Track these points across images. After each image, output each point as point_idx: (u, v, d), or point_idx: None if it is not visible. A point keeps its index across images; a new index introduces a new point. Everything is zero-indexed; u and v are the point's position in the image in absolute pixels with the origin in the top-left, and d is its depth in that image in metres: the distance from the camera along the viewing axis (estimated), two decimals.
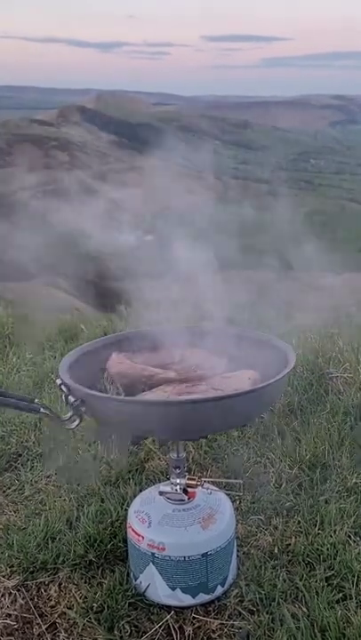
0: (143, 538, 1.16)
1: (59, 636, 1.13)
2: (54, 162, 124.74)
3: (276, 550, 1.34)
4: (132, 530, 1.19)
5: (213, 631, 1.13)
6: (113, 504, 1.50)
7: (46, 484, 1.68)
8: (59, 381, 1.09)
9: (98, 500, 1.54)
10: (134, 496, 1.42)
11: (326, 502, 1.51)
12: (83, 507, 1.52)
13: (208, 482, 1.22)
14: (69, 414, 1.08)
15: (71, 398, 1.07)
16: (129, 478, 1.65)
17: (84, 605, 1.18)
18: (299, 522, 1.44)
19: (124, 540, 1.30)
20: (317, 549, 1.33)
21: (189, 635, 1.12)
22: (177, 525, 1.16)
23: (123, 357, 1.26)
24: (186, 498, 1.21)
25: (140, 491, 1.47)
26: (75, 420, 1.08)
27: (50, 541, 1.39)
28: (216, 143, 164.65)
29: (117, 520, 1.44)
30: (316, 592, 1.19)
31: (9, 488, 1.66)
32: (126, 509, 1.39)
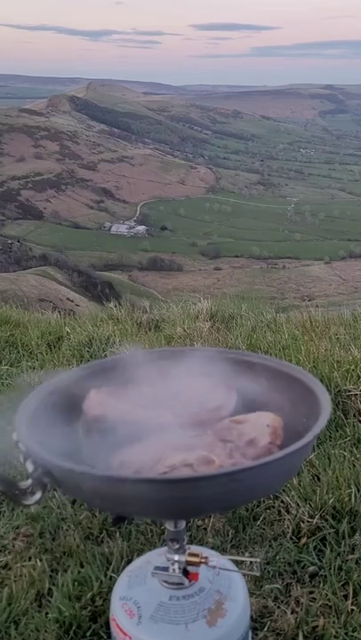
0: (131, 639, 0.88)
1: None
2: (44, 151, 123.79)
3: (300, 638, 1.05)
4: (117, 626, 0.91)
5: None
6: (94, 569, 1.21)
7: (14, 539, 1.36)
8: (15, 436, 0.83)
9: (76, 564, 1.25)
10: (121, 558, 1.20)
11: (358, 563, 1.23)
12: (57, 573, 1.24)
13: (216, 558, 0.94)
14: (29, 483, 0.79)
15: (30, 465, 0.79)
16: (115, 531, 1.36)
17: None
18: (326, 594, 1.15)
19: (108, 625, 1.03)
20: (353, 636, 1.05)
21: None
22: (175, 621, 0.88)
23: (104, 395, 0.99)
24: (187, 581, 0.92)
25: (129, 548, 1.23)
26: (35, 494, 0.79)
27: (12, 626, 1.09)
28: (207, 133, 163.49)
29: (99, 594, 1.15)
30: None
31: None
32: (111, 577, 1.16)
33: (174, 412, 0.95)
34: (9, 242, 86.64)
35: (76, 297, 66.57)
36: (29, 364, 2.26)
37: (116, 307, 4.28)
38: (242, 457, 0.83)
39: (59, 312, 4.43)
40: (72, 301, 63.39)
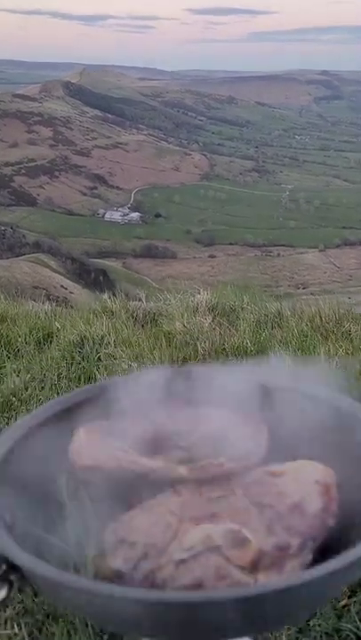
0: None
1: None
2: (38, 137, 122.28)
3: None
4: None
5: None
6: None
7: None
8: None
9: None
10: None
11: None
12: None
13: None
14: None
15: None
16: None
17: None
18: None
19: None
20: None
21: None
22: None
23: (96, 436, 0.77)
24: None
25: None
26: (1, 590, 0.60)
27: None
28: (201, 119, 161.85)
29: None
30: None
31: None
32: None
33: (188, 457, 0.76)
34: (2, 228, 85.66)
35: (69, 284, 66.12)
36: (14, 365, 2.02)
37: (110, 298, 4.05)
38: (286, 532, 0.62)
39: (50, 303, 4.19)
40: (66, 289, 62.97)
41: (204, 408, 0.81)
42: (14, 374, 1.95)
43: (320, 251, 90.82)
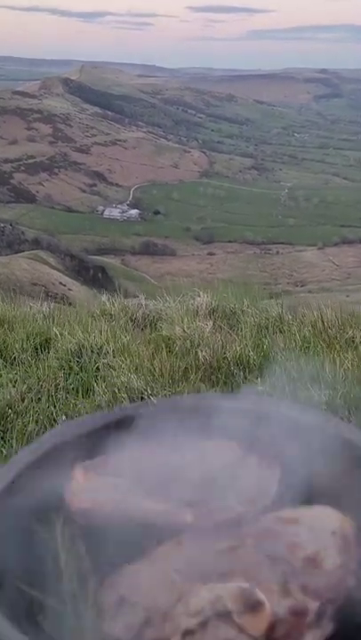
0: None
1: None
2: (37, 134, 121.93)
3: None
4: None
5: None
6: None
7: None
8: None
9: None
10: None
11: None
12: None
13: None
14: None
15: None
16: None
17: None
18: None
19: None
20: None
21: None
22: None
23: (94, 477, 0.70)
24: None
25: None
26: None
27: None
28: (200, 116, 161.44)
29: None
30: None
31: None
32: None
33: (193, 500, 0.67)
34: (1, 225, 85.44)
35: (68, 281, 66.00)
36: (10, 375, 1.96)
37: (109, 300, 4.00)
38: (302, 592, 0.55)
39: (48, 304, 4.12)
40: (64, 286, 62.88)
41: (211, 441, 0.74)
42: (10, 384, 1.89)
43: (319, 249, 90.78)
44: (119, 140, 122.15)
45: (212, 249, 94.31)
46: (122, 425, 0.75)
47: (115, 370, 1.83)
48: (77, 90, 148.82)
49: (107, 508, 0.65)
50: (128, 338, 2.82)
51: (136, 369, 1.77)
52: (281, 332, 3.35)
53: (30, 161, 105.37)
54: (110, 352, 1.97)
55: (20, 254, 67.43)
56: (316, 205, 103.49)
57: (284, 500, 0.66)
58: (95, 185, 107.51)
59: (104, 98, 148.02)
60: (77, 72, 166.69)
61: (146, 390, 1.62)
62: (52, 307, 4.11)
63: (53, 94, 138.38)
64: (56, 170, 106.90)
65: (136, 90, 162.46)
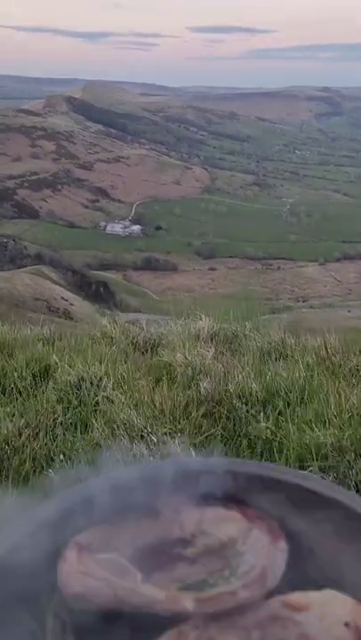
0: None
1: None
2: (41, 151, 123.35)
3: None
4: None
5: None
6: None
7: None
8: None
9: None
10: None
11: None
12: None
13: None
14: None
15: None
16: None
17: None
18: None
19: None
20: None
21: None
22: None
23: (88, 553, 0.66)
24: None
25: None
26: None
27: None
28: (203, 134, 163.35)
29: None
30: None
31: None
32: None
33: (194, 582, 0.63)
34: (4, 241, 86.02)
35: (70, 296, 66.16)
36: (8, 409, 1.91)
37: (110, 323, 3.97)
38: None
39: (49, 326, 4.08)
40: (66, 300, 63.04)
41: (213, 508, 0.69)
42: (8, 419, 1.86)
43: (320, 264, 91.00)
44: (122, 157, 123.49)
45: (214, 264, 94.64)
46: (116, 492, 0.70)
47: (114, 403, 1.79)
48: (81, 108, 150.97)
49: (101, 595, 0.61)
50: (128, 365, 2.78)
51: (136, 404, 1.72)
52: (284, 357, 3.31)
53: (34, 177, 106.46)
54: (110, 385, 1.93)
55: (22, 269, 67.70)
56: (318, 221, 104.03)
57: (292, 582, 0.61)
58: (98, 201, 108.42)
59: (107, 116, 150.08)
60: (81, 90, 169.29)
61: (146, 428, 1.57)
62: (52, 329, 4.09)
63: (57, 112, 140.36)
64: (59, 186, 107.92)
65: (139, 108, 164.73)
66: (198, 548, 0.65)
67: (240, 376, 2.46)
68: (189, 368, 2.83)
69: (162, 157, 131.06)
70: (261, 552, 0.63)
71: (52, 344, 3.64)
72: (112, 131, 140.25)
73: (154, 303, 79.73)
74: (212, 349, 3.03)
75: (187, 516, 0.68)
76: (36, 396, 2.12)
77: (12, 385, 2.31)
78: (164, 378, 2.78)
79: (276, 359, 3.20)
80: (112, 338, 3.80)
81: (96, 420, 1.65)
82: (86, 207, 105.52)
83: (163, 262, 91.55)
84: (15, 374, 2.39)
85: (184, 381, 2.34)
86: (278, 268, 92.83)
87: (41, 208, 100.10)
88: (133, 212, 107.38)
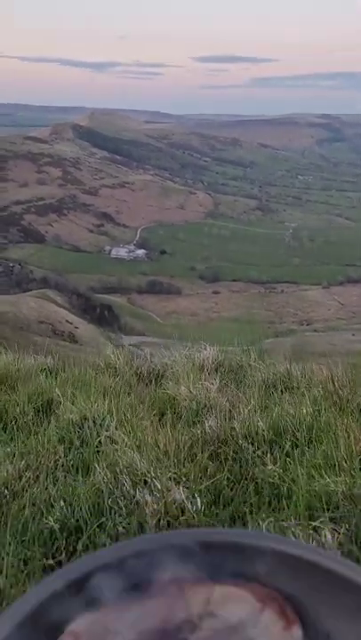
0: None
1: None
2: (47, 177, 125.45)
3: None
4: None
5: None
6: None
7: None
8: None
9: None
10: None
11: None
12: None
13: None
14: None
15: None
16: None
17: None
18: None
19: None
20: None
21: None
22: None
23: None
24: None
25: None
26: None
27: None
28: (206, 160, 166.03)
29: None
30: None
31: None
32: None
33: None
34: (10, 265, 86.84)
35: (75, 319, 66.31)
36: (8, 449, 1.87)
37: (114, 354, 3.94)
38: None
39: (53, 356, 4.04)
40: (71, 323, 63.16)
41: (221, 586, 0.64)
42: (8, 460, 1.81)
43: (324, 288, 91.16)
44: (127, 183, 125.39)
45: (217, 287, 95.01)
46: (116, 569, 0.64)
47: (117, 444, 1.73)
48: (87, 135, 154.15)
49: None
50: (132, 399, 2.73)
51: (139, 445, 1.67)
52: (290, 389, 3.25)
53: (40, 203, 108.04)
54: (113, 424, 1.88)
55: (27, 293, 68.10)
56: (321, 245, 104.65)
57: None
58: (103, 225, 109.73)
59: (113, 142, 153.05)
60: (87, 118, 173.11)
61: (149, 472, 1.51)
62: (56, 359, 4.06)
63: (64, 139, 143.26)
64: (65, 211, 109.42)
65: (144, 135, 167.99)
66: (206, 632, 0.59)
67: (246, 411, 2.41)
68: (194, 402, 2.78)
69: (166, 183, 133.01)
70: (274, 638, 0.58)
71: (56, 375, 3.60)
72: (117, 157, 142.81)
73: (158, 326, 79.83)
74: (217, 382, 2.98)
75: (193, 594, 0.63)
76: (37, 433, 2.08)
77: (14, 421, 2.28)
78: (168, 412, 2.73)
79: (281, 391, 3.14)
80: (116, 368, 3.76)
81: (98, 463, 1.60)
82: (91, 232, 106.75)
83: (167, 286, 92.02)
84: (17, 409, 2.36)
85: (189, 417, 2.29)
86: (282, 291, 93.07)
87: (47, 232, 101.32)
88: (138, 236, 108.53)
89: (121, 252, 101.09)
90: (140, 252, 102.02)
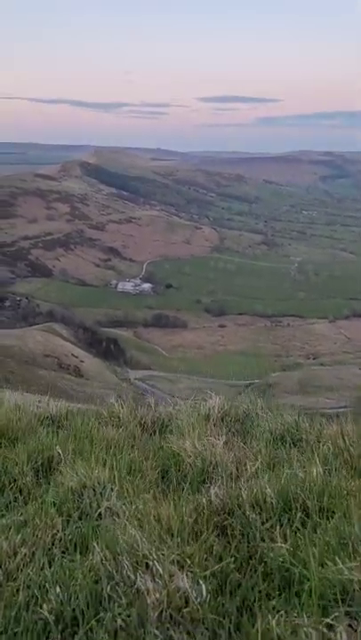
0: None
1: None
2: (56, 213, 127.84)
3: None
4: None
5: None
6: None
7: None
8: None
9: None
10: None
11: None
12: None
13: None
14: None
15: None
16: None
17: None
18: None
19: None
20: None
21: None
22: None
23: None
24: None
25: None
26: None
27: None
28: (212, 195, 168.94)
29: None
30: None
31: None
32: None
33: None
34: (17, 299, 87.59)
35: (81, 353, 66.18)
36: (4, 521, 1.77)
37: (117, 401, 3.86)
38: None
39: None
40: (77, 357, 62.98)
41: None
42: (3, 536, 1.70)
43: (330, 321, 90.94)
44: (133, 218, 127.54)
45: (223, 321, 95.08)
46: None
47: (118, 517, 1.62)
48: (94, 172, 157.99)
49: None
50: (134, 455, 2.64)
51: (140, 519, 1.55)
52: (298, 442, 3.14)
53: (48, 238, 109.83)
54: (114, 493, 1.76)
55: (34, 327, 68.35)
56: (326, 279, 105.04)
57: None
58: (109, 260, 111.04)
59: (120, 179, 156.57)
60: (94, 156, 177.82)
61: (151, 554, 1.37)
62: (59, 407, 3.97)
63: (72, 176, 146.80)
64: (72, 246, 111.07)
65: (150, 171, 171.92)
66: None
67: (253, 469, 2.30)
68: (199, 459, 2.68)
69: (172, 218, 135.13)
70: None
71: (58, 425, 3.52)
72: (124, 193, 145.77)
73: (164, 360, 79.57)
74: (223, 438, 2.88)
75: None
76: (36, 499, 1.97)
77: (13, 483, 2.19)
78: (172, 469, 2.62)
79: (290, 446, 3.04)
80: (119, 418, 3.67)
81: (97, 541, 1.48)
82: (98, 266, 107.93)
83: (173, 319, 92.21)
84: (16, 469, 2.27)
85: (193, 478, 2.18)
86: (288, 324, 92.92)
87: (54, 267, 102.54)
88: (144, 270, 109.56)
89: (127, 285, 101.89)
90: (146, 285, 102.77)
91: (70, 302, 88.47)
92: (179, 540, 1.44)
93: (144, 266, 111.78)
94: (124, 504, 1.67)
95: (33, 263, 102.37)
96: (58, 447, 2.47)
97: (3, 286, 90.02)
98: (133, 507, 1.64)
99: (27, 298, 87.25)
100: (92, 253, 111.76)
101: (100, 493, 1.72)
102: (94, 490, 1.71)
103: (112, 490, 1.74)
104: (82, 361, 61.02)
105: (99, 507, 1.68)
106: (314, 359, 78.29)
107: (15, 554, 1.50)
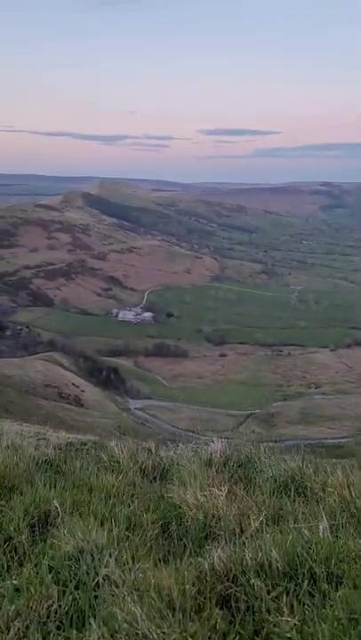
0: None
1: None
2: (57, 243, 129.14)
3: None
4: None
5: None
6: None
7: None
8: None
9: None
10: None
11: None
12: None
13: None
14: None
15: None
16: None
17: None
18: None
19: None
20: None
21: None
22: None
23: None
24: None
25: None
26: None
27: None
28: (212, 225, 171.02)
29: None
30: None
31: None
32: None
33: None
34: (18, 328, 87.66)
35: (81, 382, 65.74)
36: None
37: (117, 445, 3.78)
38: None
39: (54, 449, 3.87)
40: (77, 387, 62.53)
41: None
42: None
43: (331, 350, 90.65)
44: (135, 248, 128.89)
45: (224, 350, 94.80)
46: None
47: (117, 587, 1.53)
48: (96, 203, 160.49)
49: None
50: (135, 506, 2.56)
51: (139, 590, 1.46)
52: (303, 490, 3.06)
53: (49, 267, 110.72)
54: (112, 561, 1.67)
55: (34, 356, 68.16)
56: (326, 308, 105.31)
57: None
58: (110, 289, 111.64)
59: (121, 210, 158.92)
60: (97, 187, 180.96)
61: (151, 633, 1.26)
62: (57, 449, 3.90)
63: (74, 207, 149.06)
64: (73, 275, 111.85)
65: (151, 202, 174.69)
66: None
67: (256, 523, 2.21)
68: (201, 512, 2.60)
69: (173, 248, 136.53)
70: None
71: (57, 468, 3.45)
72: (125, 223, 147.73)
73: (164, 390, 78.94)
74: (226, 487, 2.80)
75: None
76: (31, 560, 1.88)
77: (8, 541, 2.10)
78: (173, 523, 2.54)
79: (294, 495, 2.95)
80: (120, 462, 3.60)
81: (94, 616, 1.38)
82: (99, 295, 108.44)
83: (173, 348, 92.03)
84: (12, 526, 2.19)
85: (195, 531, 2.09)
86: (289, 353, 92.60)
87: (55, 296, 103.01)
88: (145, 299, 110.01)
89: (128, 314, 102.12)
90: (147, 314, 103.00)
91: (71, 331, 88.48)
92: (180, 615, 1.34)
93: (145, 295, 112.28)
94: (122, 571, 1.58)
95: (34, 292, 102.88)
96: (55, 501, 2.38)
97: (4, 315, 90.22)
98: (132, 575, 1.56)
99: (27, 327, 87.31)
100: (94, 282, 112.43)
101: (99, 559, 1.64)
102: (92, 555, 1.63)
103: (110, 555, 1.66)
104: (82, 390, 60.59)
105: (96, 575, 1.59)
106: (315, 388, 77.70)
107: (9, 629, 1.40)
